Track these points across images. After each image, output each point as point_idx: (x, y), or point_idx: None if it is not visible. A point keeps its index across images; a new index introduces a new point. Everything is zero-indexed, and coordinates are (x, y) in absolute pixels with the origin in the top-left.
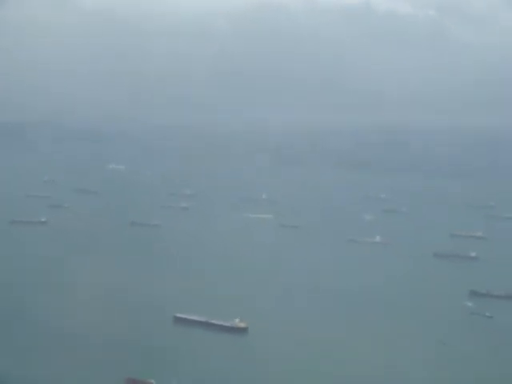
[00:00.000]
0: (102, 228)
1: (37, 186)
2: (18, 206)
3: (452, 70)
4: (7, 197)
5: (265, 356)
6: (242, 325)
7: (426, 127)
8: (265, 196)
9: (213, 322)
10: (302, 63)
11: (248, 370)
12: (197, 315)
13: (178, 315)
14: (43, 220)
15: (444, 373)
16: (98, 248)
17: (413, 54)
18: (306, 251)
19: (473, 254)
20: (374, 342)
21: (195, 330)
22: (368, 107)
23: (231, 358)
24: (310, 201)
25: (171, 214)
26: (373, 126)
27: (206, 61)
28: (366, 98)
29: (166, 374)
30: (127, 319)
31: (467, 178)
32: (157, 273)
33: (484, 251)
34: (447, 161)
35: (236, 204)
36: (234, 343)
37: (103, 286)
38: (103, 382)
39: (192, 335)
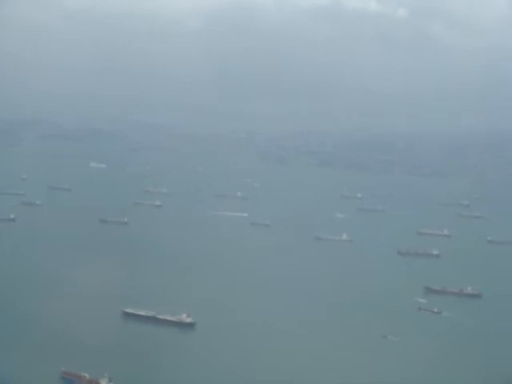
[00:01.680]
0: (69, 225)
1: (13, 184)
2: None
3: (429, 70)
4: None
5: (210, 351)
6: (189, 320)
7: (409, 129)
8: (240, 194)
9: (160, 317)
10: (278, 63)
11: (190, 364)
12: (145, 310)
13: (127, 310)
14: (12, 217)
15: (376, 365)
16: (60, 244)
17: (387, 53)
18: (269, 249)
19: (435, 252)
20: (318, 335)
21: (142, 324)
22: (351, 109)
23: (174, 352)
24: (286, 199)
25: (143, 211)
26: (357, 128)
27: (188, 61)
28: (347, 100)
29: (103, 367)
30: (76, 313)
31: (447, 178)
32: (114, 269)
33: (447, 249)
34: (430, 162)
35: (211, 202)
36: (180, 338)
37: (57, 281)
38: (41, 374)
39: (138, 330)
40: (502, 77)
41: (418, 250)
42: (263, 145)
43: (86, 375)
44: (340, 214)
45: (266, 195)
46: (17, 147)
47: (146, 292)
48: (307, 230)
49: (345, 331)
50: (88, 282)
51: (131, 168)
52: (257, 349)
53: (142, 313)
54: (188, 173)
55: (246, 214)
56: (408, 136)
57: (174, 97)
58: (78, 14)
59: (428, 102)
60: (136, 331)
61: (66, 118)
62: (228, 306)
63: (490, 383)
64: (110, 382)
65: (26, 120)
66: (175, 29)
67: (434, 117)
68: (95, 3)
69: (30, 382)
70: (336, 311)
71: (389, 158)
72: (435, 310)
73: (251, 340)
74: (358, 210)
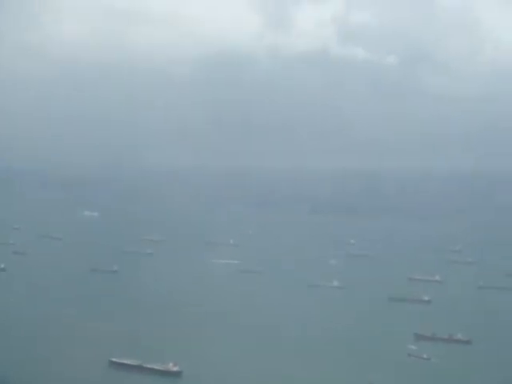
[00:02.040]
0: (59, 274)
1: (5, 233)
2: None
3: (416, 116)
4: None
5: None
6: (176, 368)
7: (399, 172)
8: (232, 241)
9: (147, 365)
10: (267, 108)
11: None
12: (131, 359)
13: (113, 359)
14: (1, 267)
15: None
16: (49, 293)
17: (375, 99)
18: (258, 297)
19: (426, 298)
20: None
21: (128, 373)
22: (341, 153)
23: None
24: (278, 246)
25: (133, 259)
26: (351, 172)
27: (179, 106)
28: (338, 144)
29: None
30: (62, 363)
31: (439, 222)
32: (102, 318)
33: (438, 295)
34: (423, 206)
35: (202, 249)
36: None
37: (44, 331)
38: None
39: (123, 379)
40: (487, 122)
41: (409, 296)
42: (255, 189)
43: None
44: (332, 260)
45: (258, 242)
46: (10, 196)
47: (133, 341)
48: (299, 277)
49: (331, 379)
50: (75, 331)
51: (123, 215)
52: None
53: (129, 362)
54: (179, 219)
55: (237, 262)
56: (399, 179)
57: (167, 140)
58: (67, 63)
59: (417, 147)
60: (122, 380)
61: (60, 166)
62: (215, 355)
63: None
64: None
65: (20, 168)
66: (165, 75)
67: (423, 161)
68: (86, 53)
69: None
70: (323, 359)
71: (381, 202)
72: (424, 356)
73: None
74: (349, 256)
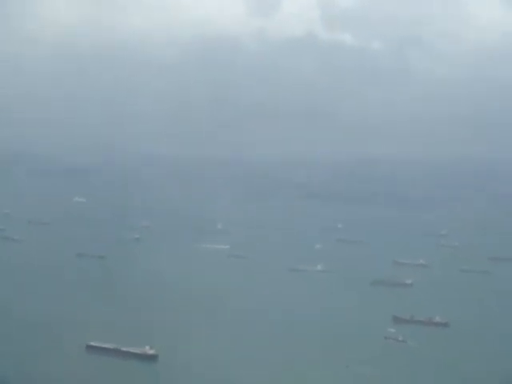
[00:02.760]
0: (46, 259)
1: None
2: None
3: (407, 101)
4: None
5: (171, 382)
6: (152, 352)
7: (393, 158)
8: (220, 227)
9: (123, 349)
10: (256, 93)
11: None
12: (108, 343)
13: (91, 343)
14: None
15: None
16: (34, 278)
17: (365, 84)
18: (241, 280)
19: (408, 282)
20: (281, 365)
21: (105, 357)
22: (334, 138)
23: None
24: (266, 231)
25: (120, 245)
26: (344, 158)
27: (168, 91)
28: (328, 129)
29: None
30: (40, 347)
31: (430, 208)
32: (84, 303)
33: (421, 278)
34: (413, 191)
35: (190, 235)
36: (141, 370)
37: (25, 315)
38: None
39: (98, 362)
40: (479, 107)
41: (392, 279)
42: (247, 175)
43: None
44: (319, 244)
45: (247, 228)
46: (2, 182)
47: (113, 325)
48: (283, 262)
49: (309, 361)
50: (56, 315)
51: (113, 202)
52: (217, 382)
53: (106, 345)
54: (169, 205)
55: (225, 247)
56: (390, 165)
57: (157, 126)
58: (58, 47)
59: (408, 132)
60: (98, 364)
61: (52, 153)
62: (192, 338)
63: None
64: None
65: (13, 154)
66: (153, 59)
67: (414, 146)
68: (73, 37)
69: None
70: (301, 342)
71: (373, 188)
72: (400, 338)
73: (212, 372)
74: (337, 240)
